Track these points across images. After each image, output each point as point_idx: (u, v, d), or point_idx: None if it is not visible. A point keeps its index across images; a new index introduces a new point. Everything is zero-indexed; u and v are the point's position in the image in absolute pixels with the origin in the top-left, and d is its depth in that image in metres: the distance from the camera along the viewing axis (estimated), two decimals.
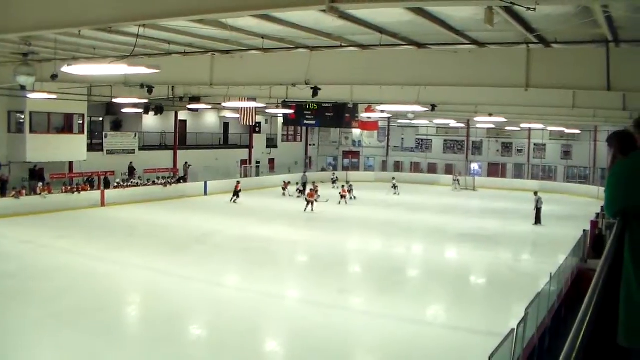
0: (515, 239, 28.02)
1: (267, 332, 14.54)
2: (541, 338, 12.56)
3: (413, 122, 47.80)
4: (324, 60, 16.64)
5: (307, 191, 36.01)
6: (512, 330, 9.62)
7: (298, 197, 40.53)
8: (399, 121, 52.54)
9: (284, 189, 43.53)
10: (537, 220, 31.45)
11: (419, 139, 58.98)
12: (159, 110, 37.61)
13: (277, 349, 13.56)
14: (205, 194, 41.87)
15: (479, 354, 12.08)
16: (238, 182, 40.35)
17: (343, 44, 14.63)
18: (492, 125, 49.97)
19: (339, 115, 29.77)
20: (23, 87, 21.50)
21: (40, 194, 32.33)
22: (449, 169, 57.56)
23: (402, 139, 58.09)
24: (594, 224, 23.12)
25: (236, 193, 38.83)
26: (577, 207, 39.66)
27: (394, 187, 46.15)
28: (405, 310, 15.82)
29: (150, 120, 44.49)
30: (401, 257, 24.02)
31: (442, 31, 11.88)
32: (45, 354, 12.47)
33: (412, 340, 13.68)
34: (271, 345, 13.83)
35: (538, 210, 31.52)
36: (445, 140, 59.59)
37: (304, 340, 13.52)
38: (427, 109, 24.48)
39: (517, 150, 56.63)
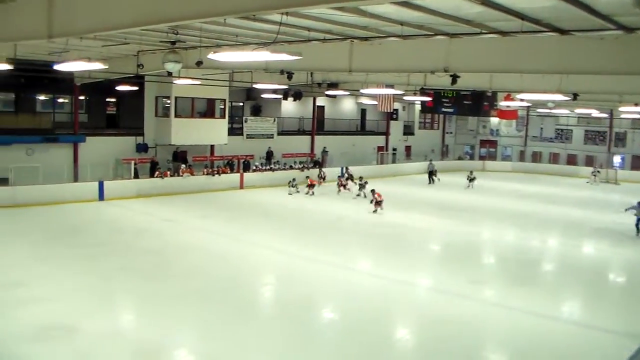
0: None
1: (398, 319, 14.53)
2: None
3: (553, 111, 46.19)
4: (463, 47, 16.43)
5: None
6: None
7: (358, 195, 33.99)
8: (539, 110, 50.74)
9: (293, 186, 35.35)
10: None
11: (558, 129, 56.70)
12: (297, 96, 38.29)
13: (407, 337, 13.55)
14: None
15: (613, 354, 11.75)
16: (308, 177, 35.98)
17: (483, 31, 14.40)
18: (637, 116, 47.55)
19: (478, 103, 29.33)
20: (170, 74, 22.40)
21: (181, 175, 33.63)
22: (589, 161, 54.96)
23: (541, 128, 56.29)
24: None
25: (310, 185, 34.82)
26: None
27: (470, 179, 41.29)
28: (538, 305, 15.38)
29: (289, 106, 45.40)
30: (536, 249, 23.31)
31: (587, 16, 11.44)
32: (184, 324, 13.13)
33: (543, 335, 13.32)
34: (401, 332, 13.83)
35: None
36: (586, 131, 56.75)
37: (434, 329, 13.46)
38: (569, 98, 23.69)
39: None
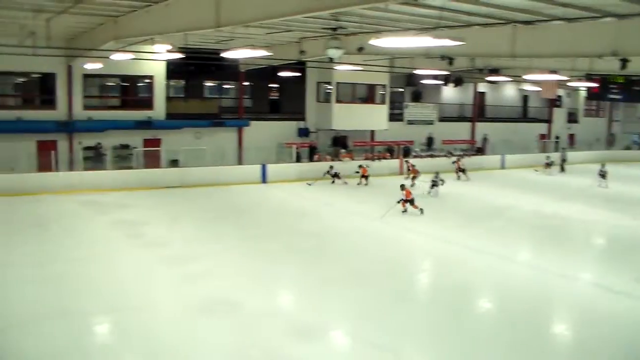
0: None
1: (555, 314, 14.13)
2: None
3: None
4: (634, 29, 15.68)
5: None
6: None
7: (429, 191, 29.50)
8: None
9: (333, 175, 31.88)
10: None
11: None
12: (458, 81, 37.82)
13: (564, 332, 13.14)
14: (503, 167, 41.37)
15: None
16: (360, 166, 32.23)
17: None
18: None
19: None
20: (331, 60, 22.82)
21: (341, 160, 34.19)
22: None
23: None
24: None
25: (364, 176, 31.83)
26: None
27: (602, 176, 34.56)
28: None
29: (449, 92, 45.17)
30: None
31: None
32: (341, 306, 13.37)
33: None
34: (559, 328, 13.41)
35: None
36: None
37: (593, 327, 12.91)
38: None
39: None
